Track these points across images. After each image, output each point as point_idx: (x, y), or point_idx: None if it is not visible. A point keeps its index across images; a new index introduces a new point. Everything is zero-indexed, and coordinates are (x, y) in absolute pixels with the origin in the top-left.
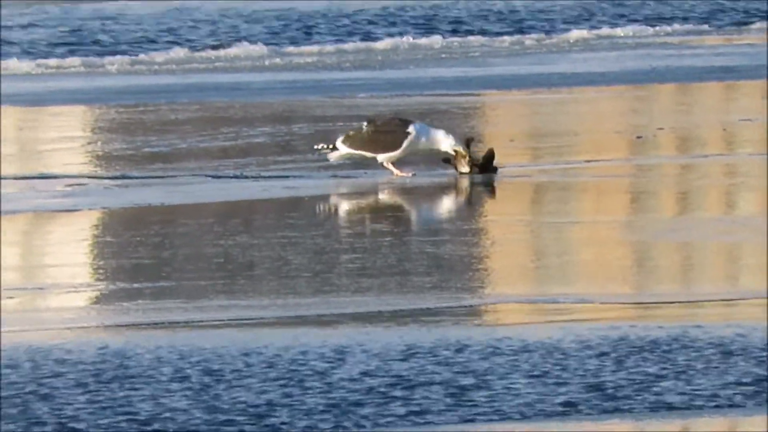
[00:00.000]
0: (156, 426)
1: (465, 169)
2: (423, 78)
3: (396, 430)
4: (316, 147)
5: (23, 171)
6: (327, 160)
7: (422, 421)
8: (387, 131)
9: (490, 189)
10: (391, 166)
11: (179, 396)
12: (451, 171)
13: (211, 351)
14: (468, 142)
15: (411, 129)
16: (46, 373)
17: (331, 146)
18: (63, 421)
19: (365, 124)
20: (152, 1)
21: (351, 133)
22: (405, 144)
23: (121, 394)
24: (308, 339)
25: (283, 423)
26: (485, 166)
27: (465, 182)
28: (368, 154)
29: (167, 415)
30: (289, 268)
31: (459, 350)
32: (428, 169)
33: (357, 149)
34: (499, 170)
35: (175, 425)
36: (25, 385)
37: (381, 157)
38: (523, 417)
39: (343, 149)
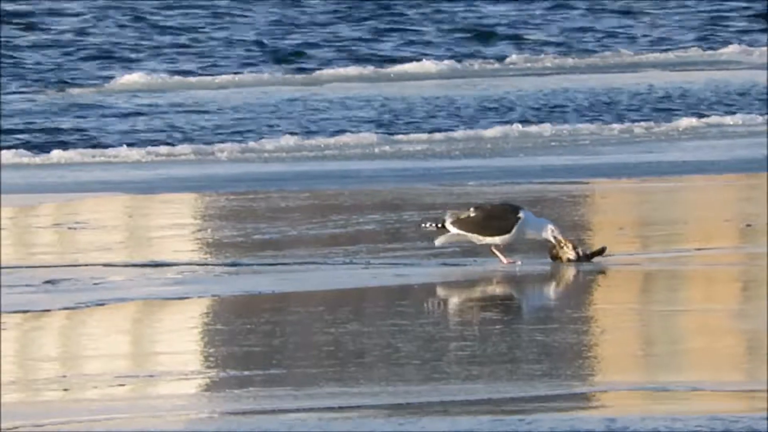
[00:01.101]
0: None
1: (572, 255)
2: (532, 166)
3: None
4: (422, 225)
5: (134, 258)
6: (433, 244)
7: None
8: (498, 216)
9: (600, 277)
10: (499, 253)
11: None
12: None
13: None
14: (602, 251)
15: (521, 214)
16: None
17: (438, 225)
18: None
19: (473, 209)
20: (262, 87)
21: (462, 216)
22: (516, 228)
23: None
24: (417, 427)
25: None
26: (590, 257)
27: (573, 270)
28: (479, 237)
29: None
30: (399, 355)
31: None
32: (536, 257)
33: (468, 231)
34: (595, 259)
35: None
36: None
37: (488, 240)
38: None
39: (452, 230)
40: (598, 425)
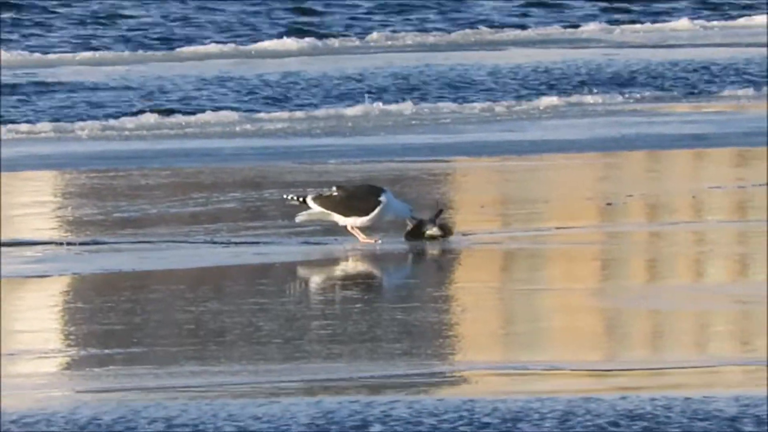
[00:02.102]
0: None
1: (436, 231)
2: (393, 144)
3: None
4: (285, 197)
5: None
6: (294, 222)
7: None
8: (359, 197)
9: (460, 256)
10: (357, 232)
11: None
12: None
13: (182, 418)
14: (439, 213)
15: (383, 198)
16: None
17: (300, 199)
18: None
19: (335, 188)
20: (122, 65)
21: (323, 194)
22: (375, 212)
23: None
24: (278, 407)
25: None
26: (442, 226)
27: (433, 249)
28: (337, 217)
29: None
30: (260, 334)
31: (429, 416)
32: (397, 236)
33: (328, 209)
34: (452, 237)
35: None
36: None
37: (349, 221)
38: None
39: (314, 207)
40: (458, 406)
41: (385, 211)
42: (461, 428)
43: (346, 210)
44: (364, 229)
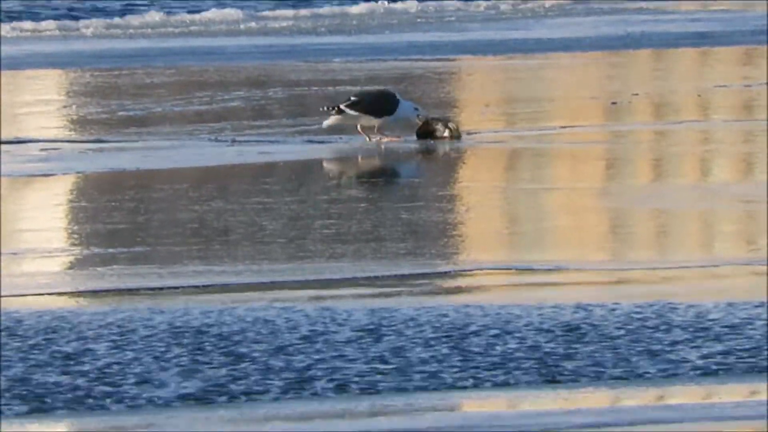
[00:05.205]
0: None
1: (441, 133)
2: (398, 43)
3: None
4: (321, 108)
5: None
6: (305, 125)
7: (394, 383)
8: (384, 99)
9: (465, 155)
10: (364, 133)
11: (159, 364)
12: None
13: (186, 317)
14: (427, 121)
15: (398, 97)
16: (18, 339)
17: (336, 108)
18: (34, 390)
19: (353, 96)
20: None
21: (351, 101)
22: (399, 109)
23: (91, 360)
24: (282, 305)
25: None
26: (452, 129)
27: (438, 148)
28: (371, 117)
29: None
30: (264, 233)
31: (434, 316)
32: (402, 135)
33: (362, 113)
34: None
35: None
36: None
37: (381, 121)
38: (494, 385)
39: (349, 112)
40: (462, 306)
41: (403, 110)
42: (465, 329)
43: (378, 111)
44: (374, 129)
